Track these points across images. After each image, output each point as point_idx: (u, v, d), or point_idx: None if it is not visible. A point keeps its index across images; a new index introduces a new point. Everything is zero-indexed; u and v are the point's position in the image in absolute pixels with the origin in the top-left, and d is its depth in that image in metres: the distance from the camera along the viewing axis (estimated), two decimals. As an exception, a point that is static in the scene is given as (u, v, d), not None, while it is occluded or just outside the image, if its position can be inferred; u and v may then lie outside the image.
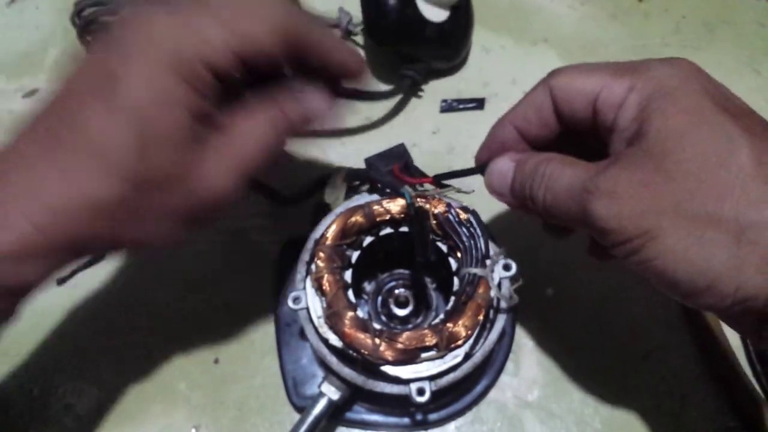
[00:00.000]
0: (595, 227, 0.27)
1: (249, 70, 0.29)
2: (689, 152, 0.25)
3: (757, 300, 0.24)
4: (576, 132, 0.32)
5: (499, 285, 0.35)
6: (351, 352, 0.33)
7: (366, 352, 0.33)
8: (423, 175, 0.40)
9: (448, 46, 0.56)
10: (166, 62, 0.26)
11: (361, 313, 0.34)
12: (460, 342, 0.33)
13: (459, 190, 0.37)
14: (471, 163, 0.37)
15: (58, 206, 0.26)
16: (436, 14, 0.54)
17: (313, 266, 0.35)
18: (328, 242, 0.36)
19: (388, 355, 0.33)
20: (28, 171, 0.26)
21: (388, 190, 0.37)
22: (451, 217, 0.36)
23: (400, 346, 0.33)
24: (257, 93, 0.31)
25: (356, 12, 0.54)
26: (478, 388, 0.42)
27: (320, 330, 0.34)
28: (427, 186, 0.37)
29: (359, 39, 0.60)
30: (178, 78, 0.26)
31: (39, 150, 0.27)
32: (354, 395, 0.37)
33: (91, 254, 0.29)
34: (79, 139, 0.26)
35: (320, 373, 0.41)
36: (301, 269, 0.36)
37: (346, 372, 0.34)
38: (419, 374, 0.33)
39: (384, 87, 0.54)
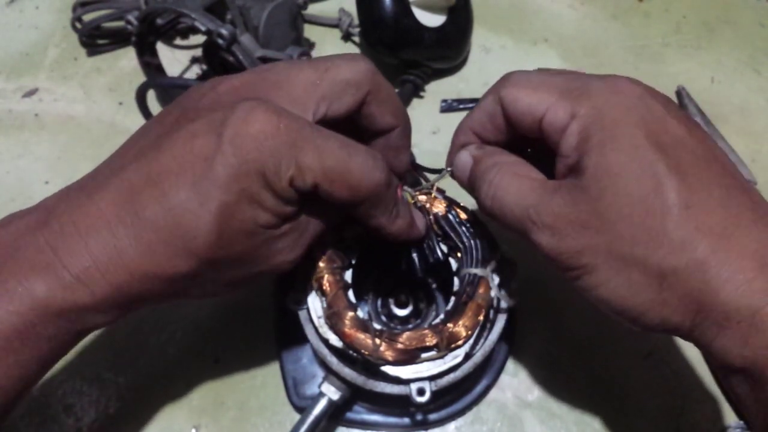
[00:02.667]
0: (538, 251, 0.30)
1: None
2: (621, 194, 0.26)
3: (680, 330, 0.27)
4: (529, 139, 0.33)
5: (500, 285, 0.35)
6: (351, 352, 0.33)
7: (366, 353, 0.33)
8: (425, 169, 0.40)
9: (448, 48, 0.56)
10: (259, 170, 0.27)
11: (361, 314, 0.34)
12: (460, 342, 0.33)
13: (453, 173, 0.36)
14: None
15: (137, 272, 0.28)
16: (434, 19, 0.54)
17: (313, 267, 0.35)
18: (329, 243, 0.36)
19: (389, 355, 0.33)
20: (110, 236, 0.28)
21: None
22: (451, 217, 0.36)
23: (400, 346, 0.33)
24: None
25: (356, 12, 0.54)
26: (478, 388, 0.42)
27: (320, 330, 0.34)
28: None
29: (358, 40, 0.60)
30: (266, 186, 0.28)
31: (122, 214, 0.28)
32: (354, 395, 0.37)
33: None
34: (166, 217, 0.27)
35: (320, 373, 0.41)
36: (302, 269, 0.36)
37: (346, 372, 0.34)
38: (419, 374, 0.33)
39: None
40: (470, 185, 0.34)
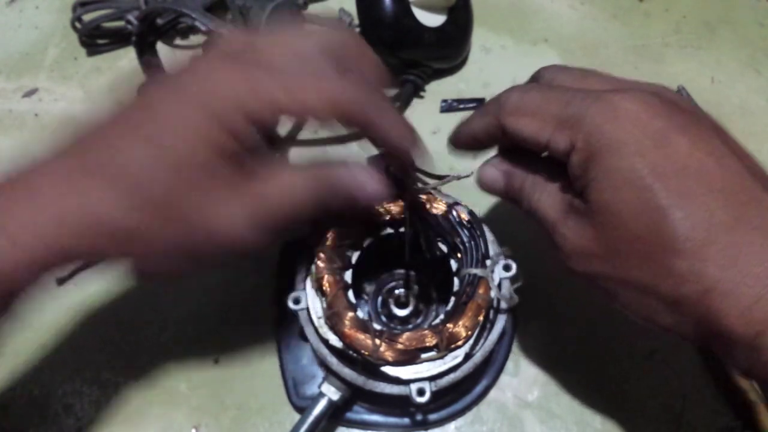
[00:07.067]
0: None
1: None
2: (622, 231, 0.27)
3: (702, 342, 0.28)
4: None
5: (500, 285, 0.35)
6: (351, 352, 0.33)
7: (366, 353, 0.33)
8: (427, 174, 0.40)
9: (448, 47, 0.56)
10: (207, 104, 0.27)
11: (361, 314, 0.34)
12: (460, 342, 0.33)
13: (459, 177, 0.36)
14: (473, 165, 0.37)
15: (66, 220, 0.26)
16: (434, 19, 0.54)
17: (313, 267, 0.35)
18: (329, 243, 0.36)
19: (389, 355, 0.33)
20: (50, 187, 0.27)
21: None
22: (451, 217, 0.36)
23: (400, 346, 0.33)
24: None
25: (356, 12, 0.54)
26: (478, 388, 0.42)
27: (320, 330, 0.34)
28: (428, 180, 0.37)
29: (359, 39, 0.60)
30: (214, 121, 0.27)
31: (63, 170, 0.27)
32: (354, 395, 0.37)
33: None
34: (104, 163, 0.27)
35: (320, 374, 0.41)
36: (302, 270, 0.36)
37: (346, 372, 0.34)
38: (419, 375, 0.33)
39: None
40: (507, 198, 0.34)
